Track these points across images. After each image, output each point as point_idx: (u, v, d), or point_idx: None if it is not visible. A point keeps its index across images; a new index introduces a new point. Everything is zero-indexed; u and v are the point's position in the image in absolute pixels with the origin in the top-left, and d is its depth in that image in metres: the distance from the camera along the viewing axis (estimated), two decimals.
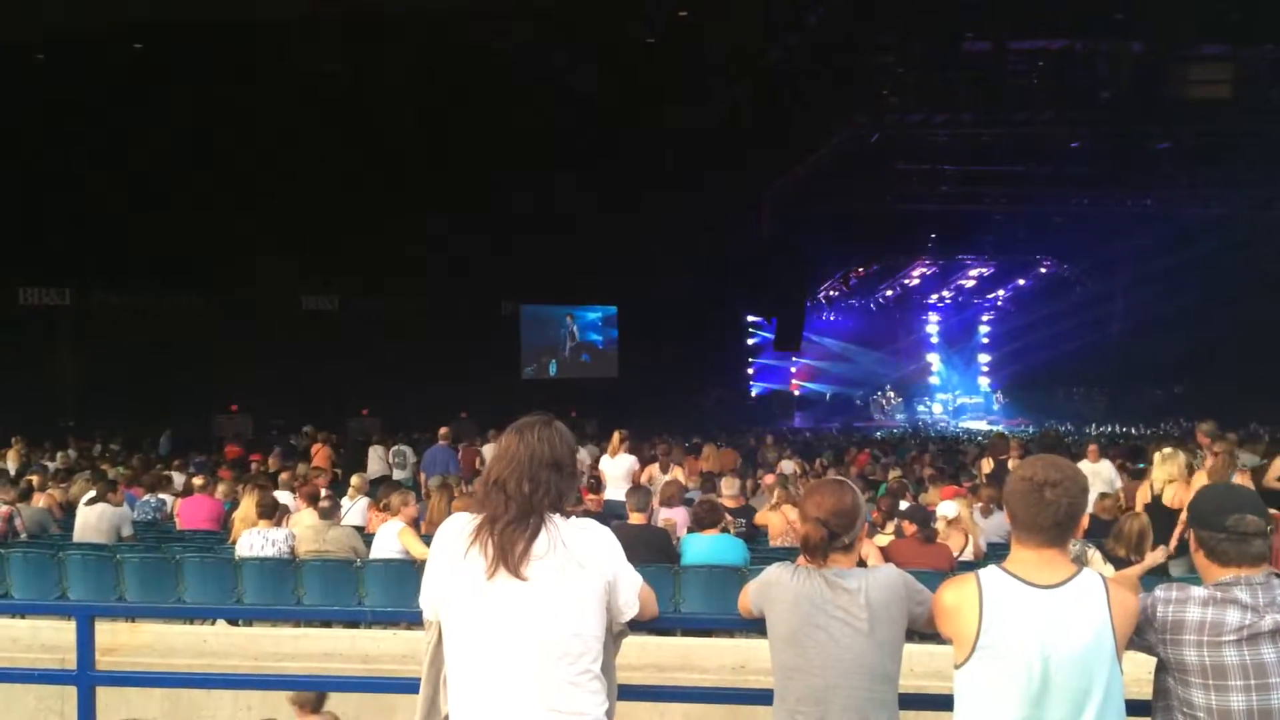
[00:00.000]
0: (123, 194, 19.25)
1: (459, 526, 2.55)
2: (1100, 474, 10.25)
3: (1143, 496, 8.97)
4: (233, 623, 6.42)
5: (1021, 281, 34.21)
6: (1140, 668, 4.15)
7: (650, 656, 4.96)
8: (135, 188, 19.29)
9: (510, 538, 2.45)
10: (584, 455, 14.26)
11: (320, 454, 15.22)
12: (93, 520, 8.60)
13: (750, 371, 31.78)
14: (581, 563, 2.48)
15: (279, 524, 7.78)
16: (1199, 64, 18.62)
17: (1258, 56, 18.33)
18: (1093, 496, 8.56)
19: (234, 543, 7.79)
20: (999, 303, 36.04)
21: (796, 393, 33.51)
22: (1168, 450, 9.02)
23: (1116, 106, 18.90)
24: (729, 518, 8.05)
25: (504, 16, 17.22)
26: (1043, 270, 32.68)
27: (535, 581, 2.43)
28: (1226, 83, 18.46)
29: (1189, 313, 25.42)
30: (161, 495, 10.45)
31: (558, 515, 2.53)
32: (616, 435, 11.71)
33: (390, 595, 6.94)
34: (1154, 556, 6.49)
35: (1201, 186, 22.88)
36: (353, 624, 5.96)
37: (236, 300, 22.28)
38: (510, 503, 2.48)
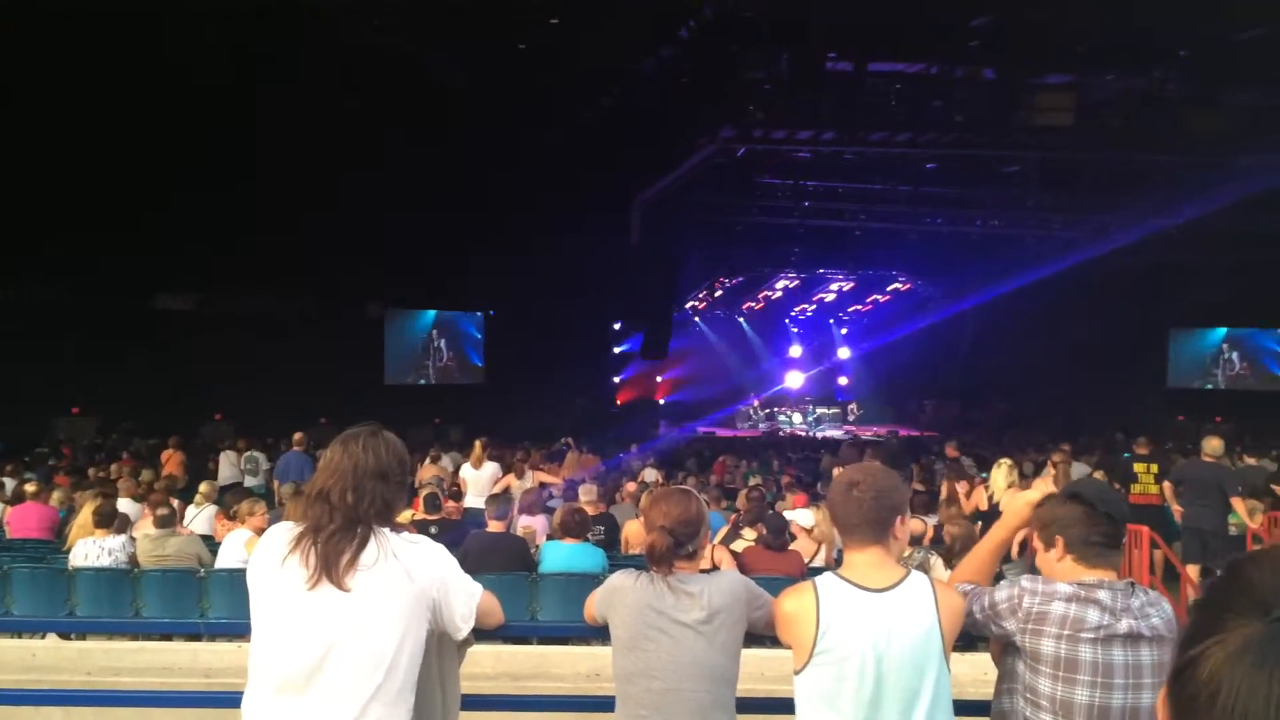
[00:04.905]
0: None
1: (279, 534, 2.49)
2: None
3: (978, 501, 9.74)
4: (65, 636, 6.11)
5: (879, 297, 35.34)
6: (977, 669, 4.34)
7: (505, 665, 4.94)
8: None
9: (335, 547, 2.39)
10: (446, 463, 14.12)
11: (172, 460, 14.63)
12: None
13: (616, 380, 31.91)
14: (410, 576, 2.42)
15: (119, 533, 7.43)
16: (1045, 92, 19.59)
17: (1099, 85, 19.40)
18: None
19: (69, 551, 7.40)
20: (857, 317, 37.17)
21: (661, 401, 33.81)
22: (1003, 460, 9.97)
23: (968, 130, 19.72)
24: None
25: (375, 12, 16.86)
26: (899, 286, 33.82)
27: (358, 592, 2.37)
28: (1069, 111, 19.47)
29: (1031, 329, 26.74)
30: None
31: (388, 529, 2.49)
32: (478, 444, 11.65)
33: (235, 606, 6.70)
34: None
35: (1045, 210, 24.08)
36: (194, 637, 5.74)
37: (85, 296, 21.09)
38: (335, 513, 2.43)
